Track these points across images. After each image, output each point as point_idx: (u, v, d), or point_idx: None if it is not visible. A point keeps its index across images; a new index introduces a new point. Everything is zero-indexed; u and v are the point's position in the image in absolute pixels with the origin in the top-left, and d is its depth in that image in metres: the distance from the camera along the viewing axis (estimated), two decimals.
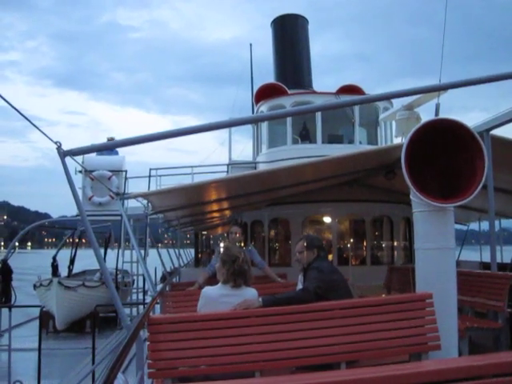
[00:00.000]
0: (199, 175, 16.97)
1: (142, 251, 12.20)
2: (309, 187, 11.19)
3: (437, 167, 5.53)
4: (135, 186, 18.37)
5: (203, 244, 32.93)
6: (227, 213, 16.02)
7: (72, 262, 19.96)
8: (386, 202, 13.59)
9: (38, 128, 4.05)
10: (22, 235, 20.98)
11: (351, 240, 14.66)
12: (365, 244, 14.59)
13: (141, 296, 17.23)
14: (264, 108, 16.06)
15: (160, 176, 17.44)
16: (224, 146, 18.50)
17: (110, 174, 16.11)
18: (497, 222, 15.38)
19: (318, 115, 14.64)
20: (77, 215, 16.62)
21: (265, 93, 16.54)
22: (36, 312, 11.77)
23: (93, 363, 8.60)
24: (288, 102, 15.20)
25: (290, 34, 20.19)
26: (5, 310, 13.21)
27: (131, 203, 14.18)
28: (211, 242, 36.49)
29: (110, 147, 5.88)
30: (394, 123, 12.30)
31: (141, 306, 14.58)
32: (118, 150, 18.24)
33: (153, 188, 16.37)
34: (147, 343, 4.46)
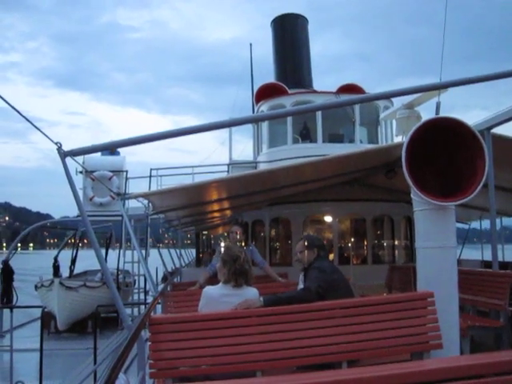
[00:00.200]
0: (200, 175, 16.97)
1: (143, 251, 12.19)
2: (309, 187, 11.19)
3: (437, 166, 5.53)
4: (136, 187, 18.37)
5: (204, 244, 32.91)
6: (228, 213, 16.01)
7: (73, 262, 19.97)
8: (387, 201, 13.58)
9: (38, 129, 4.05)
10: (24, 236, 20.95)
11: (352, 239, 14.66)
12: (366, 243, 14.60)
13: (142, 296, 17.23)
14: (264, 108, 16.07)
15: (161, 176, 17.43)
16: (224, 145, 18.52)
17: (111, 174, 16.12)
18: (498, 221, 15.36)
19: (319, 115, 14.64)
20: (78, 216, 16.62)
21: (265, 92, 16.56)
22: (38, 313, 11.78)
23: (94, 363, 8.60)
24: (288, 102, 15.21)
25: (290, 34, 20.21)
26: (6, 311, 13.24)
27: (132, 203, 14.17)
28: (212, 241, 36.46)
29: (111, 147, 5.84)
30: (394, 122, 12.31)
31: (142, 306, 14.57)
32: (119, 150, 18.28)
33: (153, 188, 16.36)
34: (148, 343, 4.46)
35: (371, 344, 4.62)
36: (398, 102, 11.08)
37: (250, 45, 26.40)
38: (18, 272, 16.98)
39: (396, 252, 14.86)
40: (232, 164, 17.02)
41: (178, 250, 17.82)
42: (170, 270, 14.44)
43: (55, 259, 19.33)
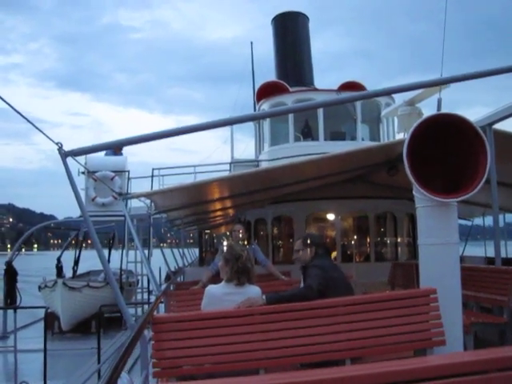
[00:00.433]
0: (202, 174, 16.96)
1: (146, 251, 12.20)
2: (311, 184, 11.19)
3: (439, 163, 5.52)
4: (138, 187, 18.37)
5: (207, 243, 32.96)
6: (230, 211, 16.03)
7: (76, 262, 20.00)
8: (390, 199, 13.57)
9: (39, 129, 4.05)
10: (27, 237, 21.01)
11: (355, 237, 14.65)
12: (368, 241, 14.59)
13: (146, 296, 17.24)
14: (265, 106, 16.05)
15: (163, 176, 17.42)
16: (227, 144, 18.56)
17: (113, 174, 16.10)
18: (501, 217, 15.34)
19: (320, 112, 14.63)
20: (81, 216, 16.62)
21: (266, 91, 16.54)
22: (41, 313, 11.81)
23: (98, 363, 8.62)
24: (289, 100, 15.19)
25: (290, 32, 20.18)
26: (10, 312, 13.25)
27: (134, 203, 14.20)
28: (215, 241, 36.52)
29: (111, 147, 5.86)
30: (396, 119, 12.29)
31: (145, 306, 14.59)
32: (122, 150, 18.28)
33: (156, 188, 16.36)
34: (152, 342, 4.46)
35: (374, 341, 4.62)
36: (399, 99, 11.05)
37: (251, 43, 26.42)
38: (22, 273, 17.03)
39: (399, 249, 14.85)
40: (234, 163, 17.02)
41: (180, 250, 17.84)
42: (173, 269, 14.46)
43: (58, 260, 19.37)
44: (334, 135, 15.37)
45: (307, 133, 15.72)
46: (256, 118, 15.54)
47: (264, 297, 4.81)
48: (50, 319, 13.82)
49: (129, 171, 16.71)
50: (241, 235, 8.57)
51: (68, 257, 20.31)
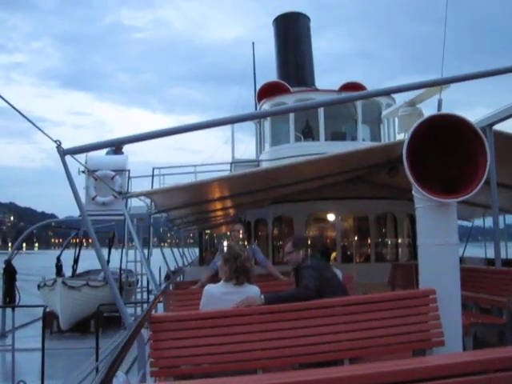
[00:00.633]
0: (202, 174, 16.94)
1: (146, 251, 12.19)
2: (312, 185, 11.18)
3: (439, 163, 5.51)
4: (139, 186, 18.33)
5: (207, 243, 32.97)
6: (231, 211, 16.01)
7: (76, 261, 19.97)
8: (390, 199, 13.56)
9: (38, 127, 4.04)
10: (27, 235, 20.96)
11: (355, 237, 14.65)
12: (369, 241, 14.58)
13: (145, 295, 17.23)
14: (267, 106, 16.04)
15: (163, 175, 17.40)
16: (228, 144, 18.50)
17: (114, 173, 16.07)
18: (502, 218, 15.33)
19: (321, 113, 14.63)
20: (81, 215, 16.57)
21: (267, 91, 16.54)
22: (41, 312, 11.80)
23: (96, 363, 8.60)
24: (290, 100, 15.18)
25: (291, 32, 20.18)
26: (9, 311, 13.24)
27: (135, 202, 14.17)
28: (215, 241, 36.54)
29: (111, 145, 5.85)
30: (396, 120, 12.28)
31: (145, 305, 14.58)
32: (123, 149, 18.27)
33: (156, 187, 16.34)
34: (150, 342, 4.45)
35: (373, 341, 4.61)
36: (400, 99, 11.04)
37: (253, 43, 26.37)
38: (22, 272, 17.00)
39: (399, 250, 14.85)
40: (235, 163, 17.01)
41: (180, 250, 17.82)
42: (173, 269, 14.45)
43: (58, 259, 19.35)
44: (335, 135, 15.37)
45: (308, 133, 15.72)
46: (257, 117, 15.55)
47: (262, 296, 4.81)
48: (49, 318, 13.79)
49: (129, 170, 16.69)
50: (241, 235, 8.56)
51: (68, 256, 20.29)
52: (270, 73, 21.76)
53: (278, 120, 15.90)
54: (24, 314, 14.78)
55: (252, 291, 4.93)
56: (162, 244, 18.37)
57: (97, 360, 8.73)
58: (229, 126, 18.34)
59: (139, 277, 17.83)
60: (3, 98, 3.36)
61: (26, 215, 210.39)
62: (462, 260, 15.12)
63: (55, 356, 11.09)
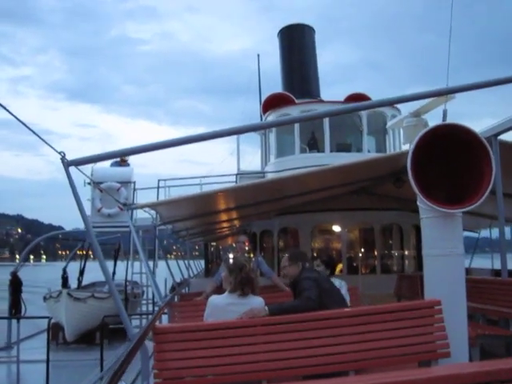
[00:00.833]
0: (208, 186, 16.95)
1: (151, 262, 12.19)
2: (317, 196, 11.15)
3: (444, 173, 5.49)
4: (145, 198, 18.36)
5: (213, 255, 32.94)
6: (236, 223, 16.00)
7: (81, 273, 19.97)
8: (396, 210, 13.52)
9: (41, 138, 4.05)
10: (33, 247, 21.01)
11: (361, 249, 14.60)
12: (375, 253, 14.53)
13: (151, 307, 17.19)
14: (272, 117, 16.06)
15: (169, 187, 17.43)
16: (234, 156, 18.52)
17: (119, 185, 16.12)
18: (508, 229, 15.25)
19: (326, 124, 14.63)
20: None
21: (272, 102, 16.58)
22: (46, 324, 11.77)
23: None
24: (295, 112, 15.18)
25: (296, 44, 20.25)
26: (15, 322, 13.23)
27: (140, 214, 14.20)
28: (221, 252, 36.48)
29: (115, 156, 5.86)
30: (401, 130, 12.26)
31: (150, 317, 14.53)
32: (128, 161, 18.32)
33: (161, 199, 16.36)
34: (153, 350, 4.43)
35: (378, 353, 4.57)
36: (405, 110, 11.02)
37: (258, 56, 26.47)
38: (30, 284, 17.00)
39: (405, 261, 14.78)
40: (240, 174, 17.01)
41: (186, 261, 17.79)
42: (178, 281, 14.43)
43: (64, 270, 19.36)
44: (340, 147, 15.35)
45: (313, 144, 15.71)
46: (261, 128, 15.58)
47: (267, 308, 4.79)
48: (55, 330, 13.77)
49: (135, 182, 16.73)
50: (247, 247, 8.56)
51: (74, 268, 20.29)
52: (275, 85, 21.82)
53: (283, 132, 15.92)
54: (30, 325, 14.78)
55: (256, 302, 4.90)
56: (169, 256, 18.36)
57: (101, 372, 8.70)
58: (234, 139, 18.40)
59: (145, 288, 17.81)
60: (7, 110, 3.38)
61: (34, 227, 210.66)
62: (468, 271, 15.05)
63: (60, 367, 11.06)
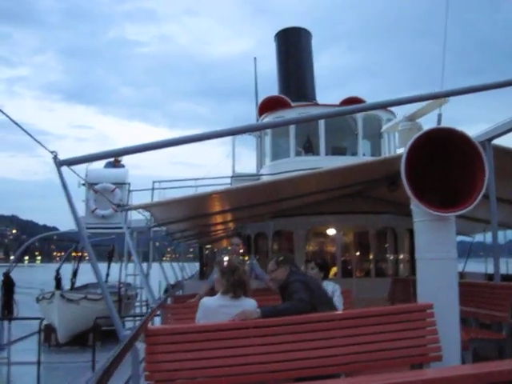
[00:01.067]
0: (203, 188, 16.91)
1: (145, 264, 12.14)
2: (311, 199, 11.15)
3: (438, 177, 5.49)
4: (140, 200, 18.27)
5: (208, 257, 32.92)
6: (231, 225, 15.97)
7: (75, 275, 19.92)
8: (390, 214, 13.53)
9: (33, 138, 4.03)
10: (26, 248, 20.95)
11: (355, 252, 14.59)
12: (369, 256, 14.52)
13: (145, 309, 17.15)
14: (267, 120, 16.04)
15: (164, 189, 17.38)
16: (229, 158, 18.48)
17: (114, 186, 16.08)
18: (502, 234, 15.27)
19: (322, 127, 14.62)
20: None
21: (268, 105, 16.55)
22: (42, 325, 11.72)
23: None
24: (291, 114, 15.14)
25: (293, 48, 20.24)
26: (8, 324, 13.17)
27: (135, 216, 14.15)
28: (216, 255, 36.44)
29: (108, 156, 5.83)
30: (396, 134, 12.27)
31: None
32: (123, 162, 18.28)
33: (156, 200, 16.30)
34: (144, 354, 4.40)
35: (370, 356, 4.56)
36: (400, 114, 11.03)
37: (255, 59, 26.41)
38: (24, 285, 16.92)
39: (399, 265, 14.78)
40: (235, 177, 16.99)
41: (180, 264, 17.76)
42: (173, 283, 14.41)
43: (57, 272, 19.30)
44: (335, 150, 15.35)
45: (308, 148, 15.72)
46: (256, 129, 15.58)
47: (259, 310, 4.77)
48: (48, 331, 13.73)
49: (129, 184, 16.69)
50: (241, 250, 8.55)
51: (68, 269, 20.23)
52: (271, 88, 21.81)
53: (278, 135, 15.90)
54: (24, 326, 14.72)
55: (249, 304, 4.89)
56: (164, 258, 18.33)
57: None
58: (230, 141, 18.36)
59: (138, 290, 17.77)
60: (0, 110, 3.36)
61: (28, 228, 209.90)
62: (462, 275, 15.07)
63: (52, 369, 11.01)
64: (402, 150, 10.19)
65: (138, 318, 15.60)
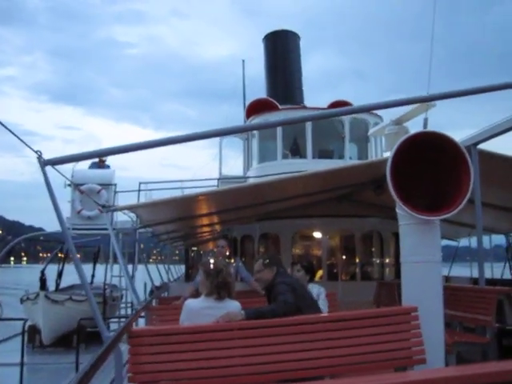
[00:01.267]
0: (189, 189, 16.88)
1: (130, 266, 12.08)
2: (298, 202, 11.14)
3: (424, 181, 5.51)
4: (126, 201, 18.20)
5: (194, 259, 32.82)
6: (217, 227, 15.94)
7: (60, 275, 19.76)
8: (376, 217, 13.56)
9: (17, 137, 4.00)
10: (10, 248, 20.76)
11: (341, 255, 14.62)
12: (355, 260, 14.55)
13: (130, 311, 17.07)
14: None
15: (150, 190, 17.33)
16: (216, 160, 18.47)
17: (100, 187, 16.02)
18: (487, 238, 15.36)
19: (309, 130, 14.65)
20: (68, 229, 16.41)
21: (256, 108, 16.57)
22: (26, 326, 11.61)
23: None
24: (278, 117, 15.15)
25: (281, 50, 20.29)
26: None
27: (121, 217, 14.09)
28: (202, 257, 36.34)
29: (93, 156, 5.80)
30: (383, 138, 12.30)
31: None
32: (109, 163, 18.23)
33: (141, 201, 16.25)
34: (128, 356, 4.37)
35: (353, 359, 4.57)
36: (387, 117, 11.07)
37: (243, 61, 26.45)
38: (10, 286, 16.79)
39: (385, 268, 14.82)
40: (222, 179, 16.98)
41: (166, 266, 17.69)
42: (158, 285, 14.34)
43: (42, 273, 19.12)
44: (322, 153, 15.37)
45: (295, 150, 15.73)
46: (243, 130, 15.56)
47: (243, 312, 4.75)
48: (32, 332, 13.61)
49: (116, 185, 16.64)
50: (227, 252, 8.54)
51: (54, 270, 20.06)
52: (260, 91, 21.83)
53: (265, 137, 15.91)
54: (7, 327, 14.59)
55: (233, 306, 4.88)
56: (150, 260, 18.26)
57: None
58: (217, 144, 18.34)
59: (124, 292, 17.69)
60: None
61: (14, 229, 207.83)
62: (447, 279, 15.14)
63: (36, 371, 10.92)
64: (388, 154, 10.25)
65: (122, 320, 15.55)
